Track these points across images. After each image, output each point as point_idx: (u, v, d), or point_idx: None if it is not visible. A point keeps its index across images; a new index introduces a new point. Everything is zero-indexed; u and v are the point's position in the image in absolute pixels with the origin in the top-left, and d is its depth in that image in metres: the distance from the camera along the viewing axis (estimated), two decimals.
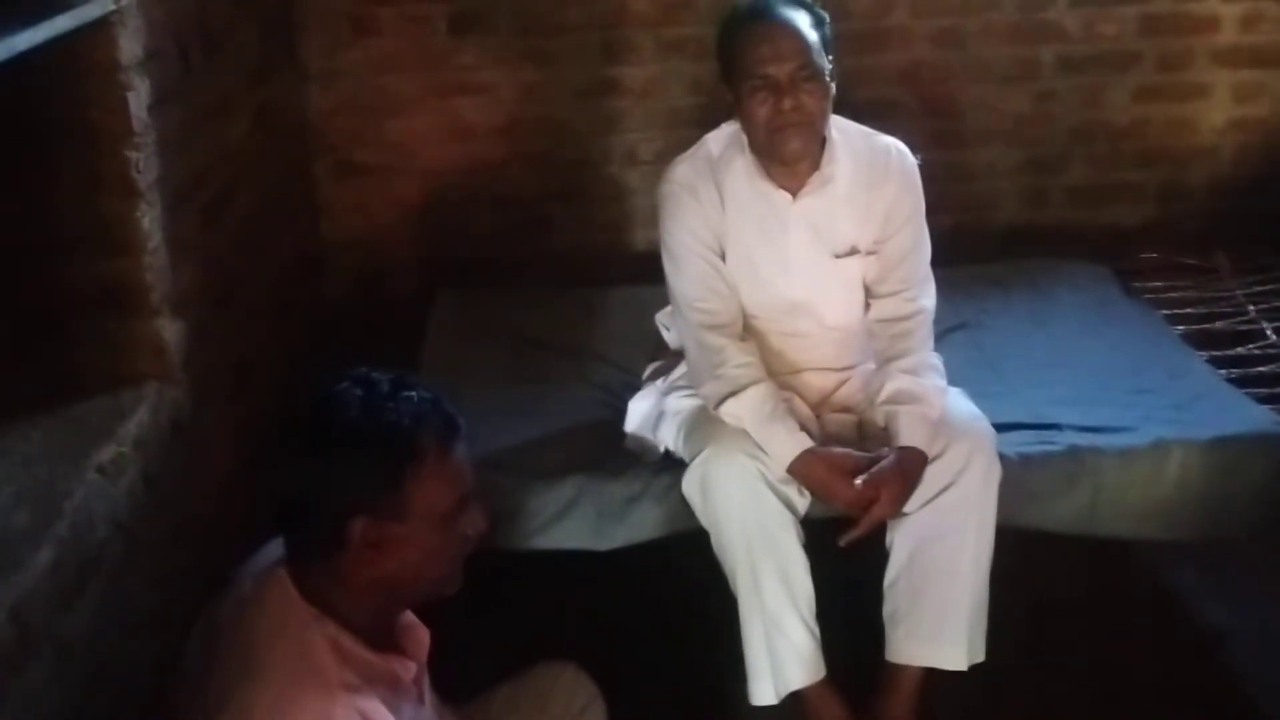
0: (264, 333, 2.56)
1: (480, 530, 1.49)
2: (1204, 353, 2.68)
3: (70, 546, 1.54)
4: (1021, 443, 2.30)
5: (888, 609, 2.14)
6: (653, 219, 2.33)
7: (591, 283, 3.07)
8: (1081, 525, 2.31)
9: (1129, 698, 2.24)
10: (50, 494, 1.60)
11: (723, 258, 2.22)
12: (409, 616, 1.52)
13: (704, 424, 2.15)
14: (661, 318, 2.45)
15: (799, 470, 2.06)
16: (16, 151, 1.79)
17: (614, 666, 1.87)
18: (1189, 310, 2.89)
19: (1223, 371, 2.60)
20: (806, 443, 2.08)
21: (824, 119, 2.15)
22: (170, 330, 1.93)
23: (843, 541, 2.06)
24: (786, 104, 2.07)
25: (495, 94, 3.17)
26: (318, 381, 1.45)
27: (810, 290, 2.24)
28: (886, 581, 2.14)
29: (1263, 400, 2.47)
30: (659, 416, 2.30)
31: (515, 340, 2.82)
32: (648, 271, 2.47)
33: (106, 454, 1.70)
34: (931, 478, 2.08)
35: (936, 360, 2.22)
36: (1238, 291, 2.97)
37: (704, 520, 2.11)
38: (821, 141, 2.19)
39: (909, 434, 2.08)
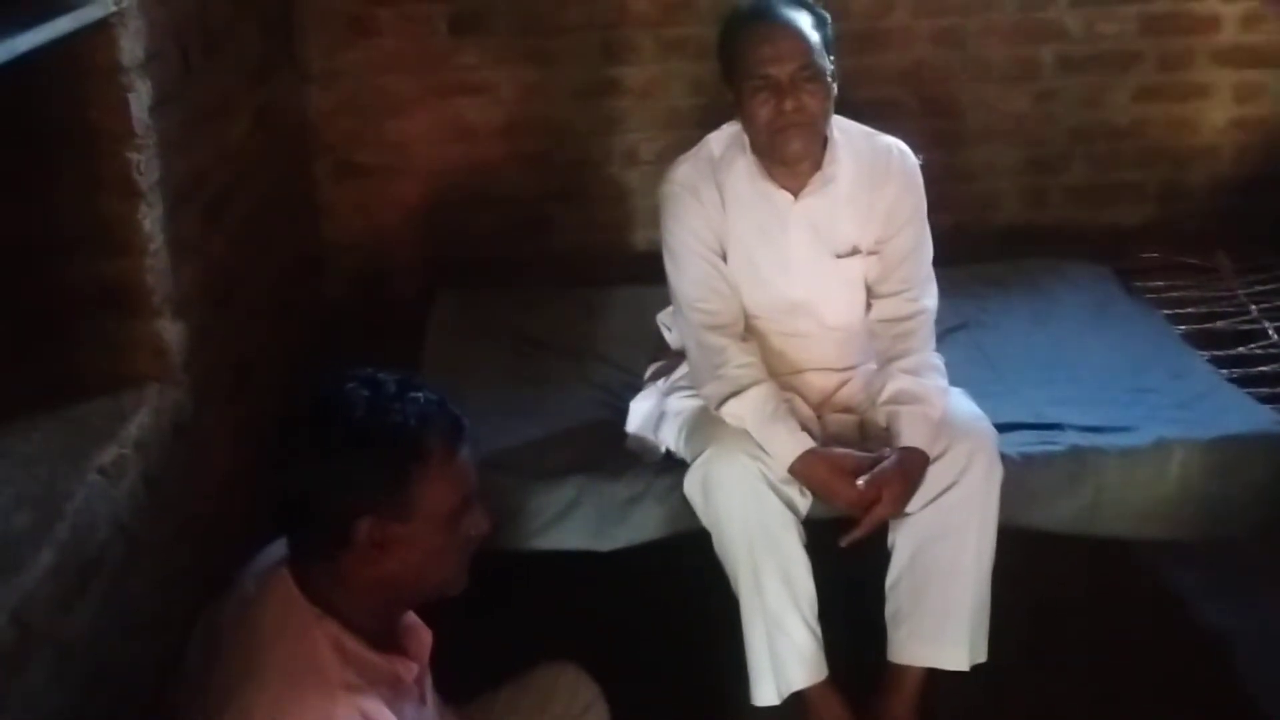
0: (264, 333, 2.56)
1: (483, 531, 1.49)
2: (1205, 352, 2.68)
3: (71, 548, 1.53)
4: (1023, 443, 2.30)
5: (889, 609, 2.14)
6: (653, 219, 2.33)
7: (592, 283, 3.06)
8: (1083, 525, 2.31)
9: (1130, 698, 2.24)
10: (51, 495, 1.59)
11: (724, 258, 2.21)
12: (411, 617, 1.52)
13: (705, 424, 2.15)
14: (663, 318, 2.45)
15: (800, 471, 2.06)
16: (17, 152, 1.79)
17: (616, 667, 1.87)
18: (1190, 310, 2.89)
19: (1224, 371, 2.60)
20: (808, 443, 2.08)
21: (825, 119, 2.15)
22: (171, 331, 1.93)
23: (844, 542, 2.06)
24: (788, 104, 2.07)
25: (495, 94, 3.16)
26: (321, 381, 1.45)
27: (811, 290, 2.24)
28: (888, 582, 2.14)
29: (1264, 400, 2.47)
30: (660, 417, 2.30)
31: (516, 341, 2.82)
32: (648, 272, 2.47)
33: (107, 455, 1.70)
34: (933, 478, 2.08)
35: (938, 360, 2.22)
36: (1239, 291, 2.97)
37: (705, 521, 2.11)
38: (823, 141, 2.19)
39: (910, 434, 2.08)
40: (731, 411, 2.11)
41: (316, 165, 3.17)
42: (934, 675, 2.12)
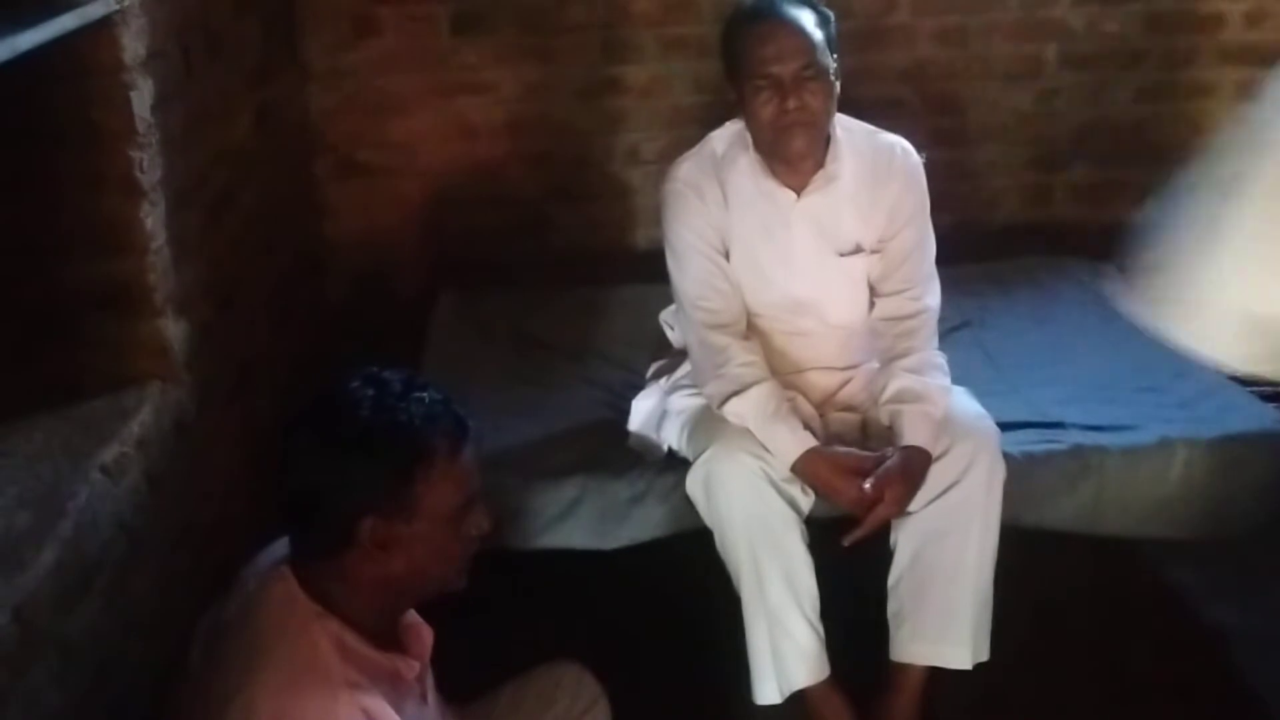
0: (266, 332, 2.56)
1: (485, 531, 1.50)
2: None
3: (73, 547, 1.53)
4: (1025, 441, 2.30)
5: (892, 608, 2.13)
6: (655, 218, 2.33)
7: (594, 282, 3.06)
8: (1085, 524, 2.31)
9: (1133, 696, 2.24)
10: (53, 494, 1.59)
11: (726, 256, 2.21)
12: (412, 615, 1.52)
13: (707, 423, 2.15)
14: (665, 316, 2.45)
15: (802, 469, 2.06)
16: (19, 151, 1.78)
17: (618, 666, 1.87)
18: None
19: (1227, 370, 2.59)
20: (810, 442, 2.08)
21: (828, 118, 2.15)
22: (173, 330, 1.93)
23: (846, 541, 2.06)
24: (790, 103, 2.07)
25: (497, 93, 3.17)
26: (327, 380, 1.45)
27: (814, 289, 2.24)
28: (890, 581, 2.13)
29: (1268, 399, 2.46)
30: (662, 416, 2.30)
31: (518, 340, 2.82)
32: (650, 270, 2.46)
33: (110, 454, 1.70)
34: (935, 477, 2.07)
35: (940, 359, 2.22)
36: None
37: (707, 519, 2.11)
38: (826, 140, 2.19)
39: (913, 433, 2.08)
40: (734, 410, 2.10)
41: (318, 164, 3.17)
42: (936, 674, 2.12)
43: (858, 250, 2.23)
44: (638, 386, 2.45)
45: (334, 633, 1.38)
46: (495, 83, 3.16)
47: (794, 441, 2.07)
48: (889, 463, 2.06)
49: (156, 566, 1.79)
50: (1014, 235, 3.30)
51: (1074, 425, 2.37)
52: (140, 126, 1.82)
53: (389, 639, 1.47)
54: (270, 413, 2.40)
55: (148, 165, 1.84)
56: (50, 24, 1.56)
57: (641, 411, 2.37)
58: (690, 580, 2.21)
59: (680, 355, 2.34)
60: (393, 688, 1.42)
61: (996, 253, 3.13)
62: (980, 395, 2.26)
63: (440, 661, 1.57)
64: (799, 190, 2.20)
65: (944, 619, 2.08)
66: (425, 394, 1.44)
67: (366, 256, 3.24)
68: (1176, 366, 2.58)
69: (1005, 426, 2.22)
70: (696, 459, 2.11)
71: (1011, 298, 2.93)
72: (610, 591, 2.38)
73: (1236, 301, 1.26)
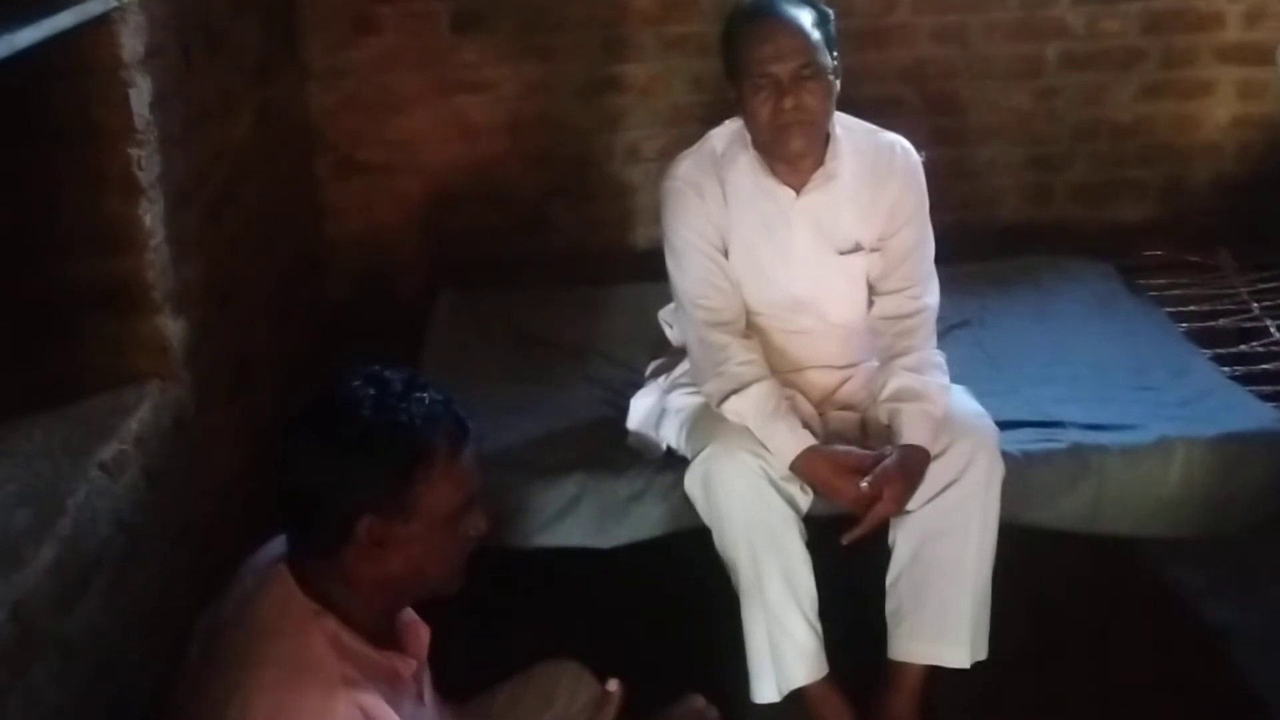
0: (266, 331, 2.56)
1: (483, 532, 1.50)
2: (1208, 350, 2.67)
3: (72, 545, 1.53)
4: (1025, 440, 2.30)
5: (890, 607, 2.13)
6: (655, 216, 2.33)
7: (594, 280, 3.06)
8: (1085, 523, 2.31)
9: (1132, 695, 2.24)
10: (52, 492, 1.59)
11: (726, 254, 2.21)
12: (409, 614, 1.52)
13: (706, 421, 2.15)
14: (664, 315, 2.45)
15: (801, 468, 2.06)
16: (18, 149, 1.78)
17: (616, 664, 1.87)
18: (1193, 308, 2.89)
19: (1226, 369, 2.60)
20: (809, 440, 2.08)
21: (826, 117, 2.15)
22: (172, 328, 1.92)
23: (845, 540, 2.06)
24: (788, 103, 2.07)
25: (497, 92, 3.16)
26: (326, 379, 1.45)
27: (814, 287, 2.23)
28: (889, 579, 2.14)
29: (1267, 398, 2.47)
30: (661, 414, 2.30)
31: (517, 338, 2.82)
32: (650, 269, 2.47)
33: (108, 452, 1.70)
34: (934, 475, 2.07)
35: (939, 358, 2.22)
36: (1241, 289, 2.97)
37: (706, 518, 2.11)
38: (825, 138, 2.19)
39: (912, 431, 2.08)
40: (733, 409, 2.10)
41: (318, 163, 3.17)
42: (935, 673, 2.12)
43: (857, 249, 2.23)
44: (637, 385, 2.45)
45: (331, 631, 1.38)
46: (495, 81, 3.15)
47: (793, 440, 2.07)
48: (888, 461, 2.06)
49: (155, 564, 1.79)
50: (1014, 234, 3.30)
51: (1073, 424, 2.37)
52: (139, 124, 1.82)
53: (386, 637, 1.47)
54: (270, 411, 2.40)
55: (146, 163, 1.84)
56: (48, 21, 1.55)
57: (640, 410, 2.37)
58: (689, 579, 2.21)
59: (679, 354, 2.34)
60: (390, 686, 1.42)
61: (996, 252, 3.13)
62: (979, 394, 2.26)
63: (438, 660, 1.57)
64: (798, 189, 2.20)
65: (942, 618, 2.08)
66: (426, 394, 1.44)
67: (366, 255, 3.24)
68: (1176, 365, 2.59)
69: (1004, 425, 2.22)
70: (695, 457, 2.11)
71: (1011, 297, 2.93)
72: (609, 590, 2.37)
73: None
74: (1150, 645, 2.37)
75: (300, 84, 3.08)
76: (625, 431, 2.38)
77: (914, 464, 2.06)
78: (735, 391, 2.11)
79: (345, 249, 3.23)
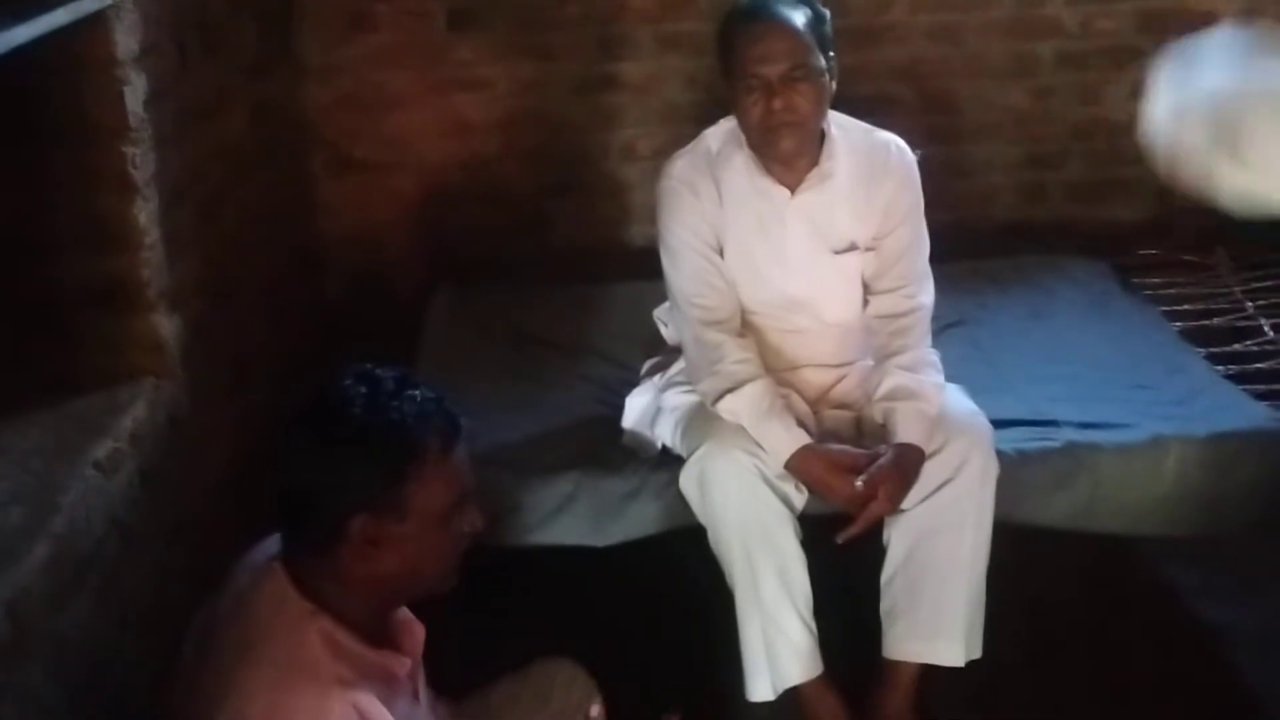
0: (262, 329, 2.56)
1: (476, 529, 1.49)
2: (1202, 349, 2.67)
3: (67, 543, 1.53)
4: (1019, 439, 2.30)
5: (885, 605, 2.14)
6: (651, 215, 2.33)
7: (589, 279, 3.06)
8: (1079, 521, 2.31)
9: (1127, 693, 2.24)
10: (47, 490, 1.59)
11: (721, 253, 2.21)
12: (404, 612, 1.52)
13: (701, 420, 2.15)
14: (659, 313, 2.45)
15: (796, 467, 2.06)
16: (13, 147, 1.78)
17: (612, 663, 1.87)
18: (1187, 306, 2.89)
19: (1220, 368, 2.60)
20: (804, 439, 2.08)
21: (818, 118, 2.14)
22: (167, 326, 1.92)
23: (840, 538, 2.06)
24: (777, 104, 2.06)
25: (493, 89, 3.16)
26: (322, 377, 1.45)
27: (809, 286, 2.24)
28: (884, 578, 2.14)
29: (1260, 397, 2.47)
30: (656, 412, 2.30)
31: (513, 336, 2.82)
32: (645, 267, 2.46)
33: (103, 450, 1.70)
34: (929, 474, 2.08)
35: (934, 357, 2.22)
36: (1236, 288, 2.97)
37: (701, 516, 2.11)
38: (819, 138, 2.19)
39: (906, 430, 2.08)
40: (728, 407, 2.10)
41: (314, 161, 3.17)
42: (929, 671, 2.12)
43: (852, 248, 2.23)
44: (632, 383, 2.45)
45: (325, 630, 1.38)
46: (491, 79, 3.15)
47: (788, 439, 2.07)
48: (882, 460, 2.06)
49: (150, 562, 1.79)
50: (1009, 233, 3.30)
51: (1068, 423, 2.37)
52: (133, 122, 1.82)
53: (381, 636, 1.47)
54: (265, 409, 2.40)
55: (141, 161, 1.84)
56: (43, 19, 1.55)
57: (636, 408, 2.37)
58: (684, 577, 2.22)
59: (674, 352, 2.34)
60: (384, 685, 1.42)
61: (991, 250, 3.13)
62: (974, 393, 2.26)
63: (434, 658, 1.57)
64: (793, 188, 2.20)
65: (937, 616, 2.09)
66: (418, 392, 1.44)
67: (362, 253, 3.24)
68: (1171, 364, 2.59)
69: (999, 424, 2.22)
70: (690, 456, 2.11)
71: (1006, 295, 2.93)
72: (604, 588, 2.38)
73: None
74: (1145, 644, 2.37)
75: (296, 82, 3.08)
76: (620, 430, 2.38)
77: (909, 463, 2.06)
78: (730, 390, 2.11)
79: (341, 247, 3.23)
